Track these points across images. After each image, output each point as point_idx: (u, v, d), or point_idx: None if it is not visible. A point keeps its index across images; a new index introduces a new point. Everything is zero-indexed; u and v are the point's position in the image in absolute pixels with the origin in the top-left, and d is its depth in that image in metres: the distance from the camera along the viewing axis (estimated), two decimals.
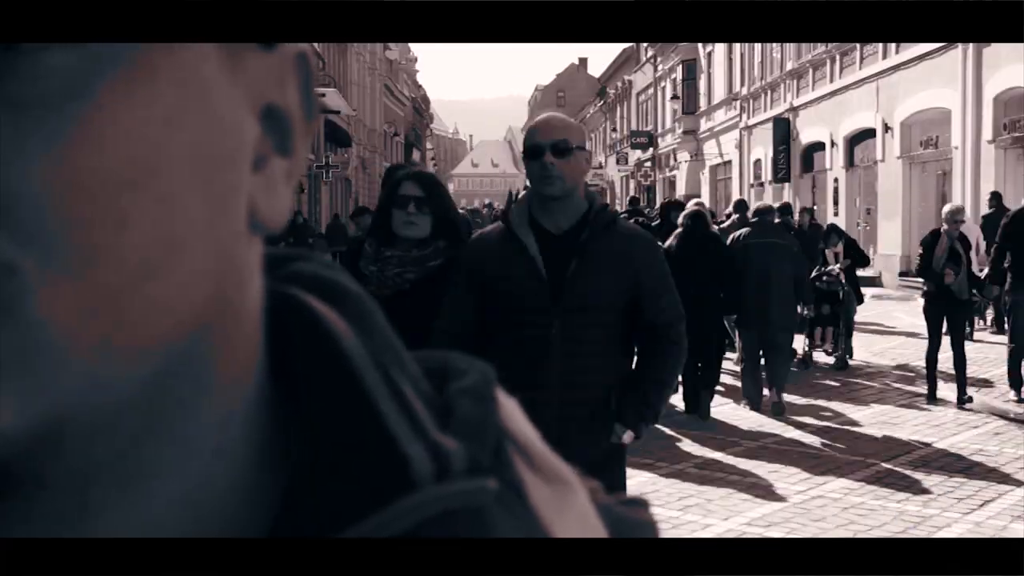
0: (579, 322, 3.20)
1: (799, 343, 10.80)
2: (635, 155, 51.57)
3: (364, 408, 0.41)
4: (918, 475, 7.12)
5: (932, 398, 9.51)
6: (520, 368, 3.06)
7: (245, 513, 0.40)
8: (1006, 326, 10.68)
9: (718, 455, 7.67)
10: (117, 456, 0.36)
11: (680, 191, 40.23)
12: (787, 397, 9.09)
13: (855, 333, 12.19)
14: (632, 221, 6.97)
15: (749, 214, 10.51)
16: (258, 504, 0.40)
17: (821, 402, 9.55)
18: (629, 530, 0.48)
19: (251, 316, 0.40)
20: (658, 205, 10.57)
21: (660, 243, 4.54)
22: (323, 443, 0.40)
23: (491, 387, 0.45)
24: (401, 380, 0.42)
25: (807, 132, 26.79)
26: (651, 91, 48.71)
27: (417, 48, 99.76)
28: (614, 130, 61.15)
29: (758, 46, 30.57)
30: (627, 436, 3.30)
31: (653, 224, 11.42)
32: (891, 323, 14.65)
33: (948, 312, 9.23)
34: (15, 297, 0.31)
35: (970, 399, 9.36)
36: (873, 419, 8.86)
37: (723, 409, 9.24)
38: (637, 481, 7.01)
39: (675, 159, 42.92)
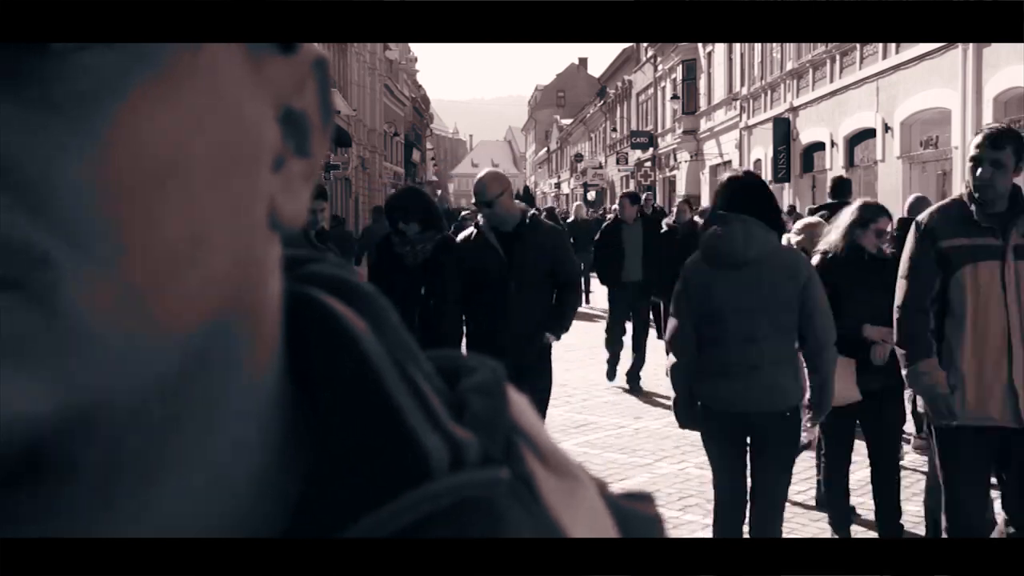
0: (524, 282, 5.72)
1: None
2: (635, 155, 51.55)
3: (382, 402, 0.42)
4: (918, 475, 7.11)
5: None
6: (489, 313, 5.72)
7: (265, 505, 0.41)
8: None
9: None
10: (140, 448, 0.37)
11: (680, 191, 40.25)
12: None
13: None
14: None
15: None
16: (277, 496, 0.41)
17: None
18: (635, 524, 0.48)
19: (271, 314, 0.42)
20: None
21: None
22: (342, 436, 0.41)
23: (501, 384, 0.46)
24: (416, 376, 0.43)
25: (807, 132, 26.79)
26: (651, 91, 48.72)
27: (417, 48, 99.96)
28: (614, 130, 61.13)
29: (758, 46, 30.58)
30: (551, 338, 5.93)
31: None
32: None
33: None
34: (50, 287, 0.33)
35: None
36: None
37: None
38: (637, 481, 7.02)
39: (675, 159, 42.92)
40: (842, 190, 9.51)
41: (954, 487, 4.46)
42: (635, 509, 0.50)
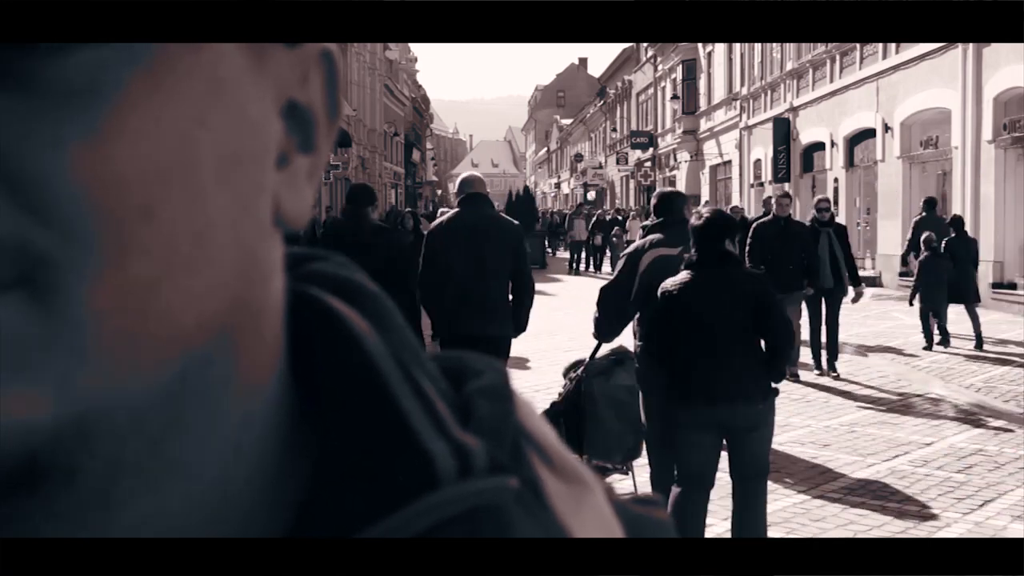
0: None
1: None
2: (635, 155, 51.51)
3: (387, 406, 0.41)
4: (918, 475, 7.12)
5: None
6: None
7: (266, 510, 0.40)
8: None
9: None
10: (140, 453, 0.36)
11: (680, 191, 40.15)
12: (788, 390, 9.04)
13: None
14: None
15: None
16: (279, 501, 0.40)
17: (819, 401, 9.55)
18: (645, 528, 0.48)
19: (273, 314, 0.41)
20: None
21: None
22: (346, 441, 0.41)
23: (508, 387, 0.46)
24: (422, 379, 0.43)
25: (807, 132, 26.77)
26: (651, 91, 48.68)
27: (417, 48, 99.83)
28: (614, 130, 61.08)
29: (758, 46, 30.55)
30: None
31: None
32: (890, 323, 14.65)
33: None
34: (50, 289, 0.32)
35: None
36: (873, 419, 8.86)
37: None
38: (637, 481, 7.01)
39: (675, 159, 42.89)
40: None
41: None
42: (644, 513, 0.49)
